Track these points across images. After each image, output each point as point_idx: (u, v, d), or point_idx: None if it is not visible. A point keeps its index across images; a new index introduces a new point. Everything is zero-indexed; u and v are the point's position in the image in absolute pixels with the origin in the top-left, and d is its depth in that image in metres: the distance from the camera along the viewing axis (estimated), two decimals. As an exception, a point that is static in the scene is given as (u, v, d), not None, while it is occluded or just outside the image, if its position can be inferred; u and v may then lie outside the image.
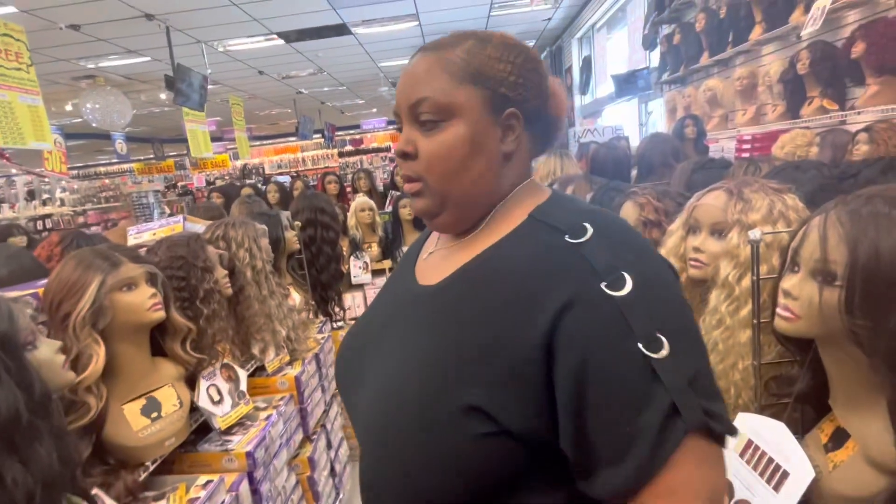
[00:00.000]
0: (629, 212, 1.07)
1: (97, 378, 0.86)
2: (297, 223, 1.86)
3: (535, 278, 0.45)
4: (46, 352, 0.68)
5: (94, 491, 0.72)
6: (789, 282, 0.60)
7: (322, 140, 10.04)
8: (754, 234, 0.71)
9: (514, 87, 0.52)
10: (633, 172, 2.21)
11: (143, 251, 1.14)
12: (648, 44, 4.09)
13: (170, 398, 1.01)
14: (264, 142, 11.76)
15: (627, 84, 4.29)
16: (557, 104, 0.56)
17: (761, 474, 0.67)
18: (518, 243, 0.50)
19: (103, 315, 0.87)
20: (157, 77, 7.12)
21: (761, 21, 2.52)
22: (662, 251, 0.91)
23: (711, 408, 0.40)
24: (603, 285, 0.42)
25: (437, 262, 0.57)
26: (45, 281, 0.94)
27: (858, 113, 2.01)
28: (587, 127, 4.77)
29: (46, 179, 6.39)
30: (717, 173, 1.37)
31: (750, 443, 0.71)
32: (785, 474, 0.64)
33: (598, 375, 0.41)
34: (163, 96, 8.29)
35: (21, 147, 4.30)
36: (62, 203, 6.75)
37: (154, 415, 0.96)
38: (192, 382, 1.10)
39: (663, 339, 0.40)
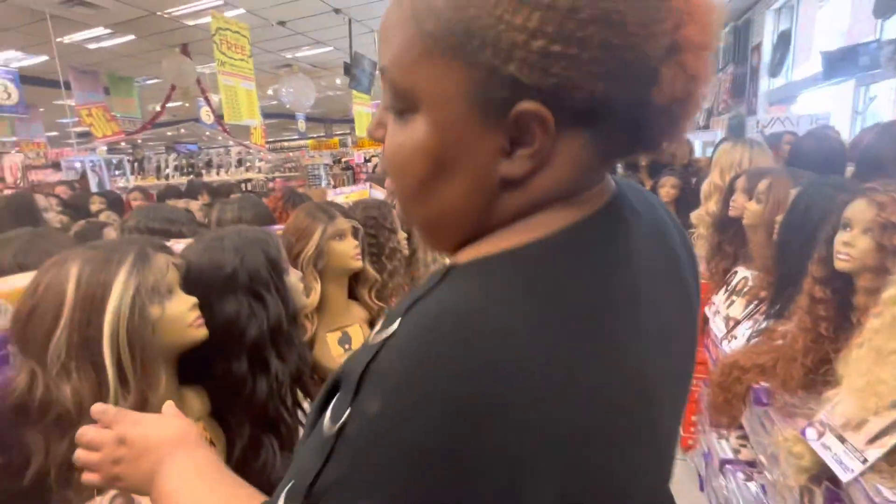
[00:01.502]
0: (862, 211, 0.89)
1: (314, 308, 1.07)
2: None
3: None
4: (294, 278, 0.87)
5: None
6: None
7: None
8: None
9: (541, 64, 0.28)
10: (849, 169, 1.82)
11: (341, 210, 1.35)
12: (883, 10, 3.24)
13: (358, 335, 1.19)
14: (414, 124, 12.61)
15: (844, 62, 3.48)
16: (682, 77, 0.30)
17: None
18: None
19: (322, 258, 1.07)
20: (334, 65, 8.16)
21: None
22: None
23: None
24: (332, 402, 0.31)
25: None
26: (277, 226, 1.18)
27: None
28: (775, 115, 4.03)
29: (251, 150, 7.84)
30: None
31: None
32: None
33: None
34: (338, 81, 9.48)
35: (238, 123, 5.34)
36: (259, 170, 8.24)
37: (347, 346, 1.16)
38: (373, 327, 1.28)
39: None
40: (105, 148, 6.64)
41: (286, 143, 13.54)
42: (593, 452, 0.29)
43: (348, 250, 1.10)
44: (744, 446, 1.47)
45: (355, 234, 1.14)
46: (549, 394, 0.28)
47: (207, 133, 9.26)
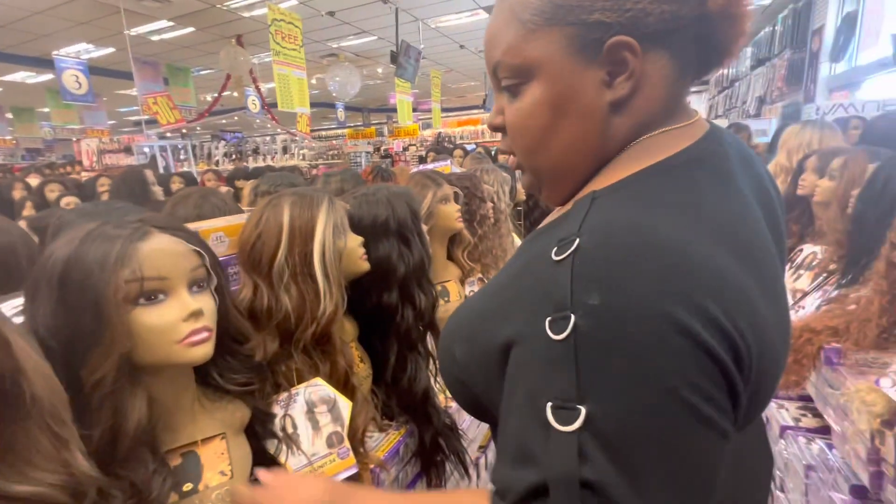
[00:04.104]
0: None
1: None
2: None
3: (516, 286, 0.40)
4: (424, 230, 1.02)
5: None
6: None
7: (504, 113, 10.35)
8: None
9: (617, 5, 0.38)
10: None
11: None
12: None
13: (454, 290, 1.34)
14: (449, 114, 12.73)
15: (916, 45, 3.34)
16: None
17: None
18: (545, 233, 0.42)
19: (431, 218, 1.22)
20: (377, 54, 8.34)
21: None
22: None
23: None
24: (547, 321, 0.35)
25: None
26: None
27: None
28: (838, 102, 3.91)
29: (297, 137, 8.15)
30: None
31: None
32: None
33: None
34: (379, 70, 9.67)
35: (289, 111, 5.57)
36: (304, 157, 8.55)
37: (445, 299, 1.31)
38: (464, 284, 1.43)
39: (580, 409, 0.32)
40: (154, 134, 7.06)
41: (324, 133, 13.91)
42: (750, 321, 0.35)
43: (452, 213, 1.24)
44: (804, 415, 1.55)
45: (457, 199, 1.28)
46: (710, 276, 0.35)
47: (258, 121, 9.66)
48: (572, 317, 0.33)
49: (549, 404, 0.34)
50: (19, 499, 0.38)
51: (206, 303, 0.54)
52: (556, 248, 0.37)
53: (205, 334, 0.52)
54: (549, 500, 0.33)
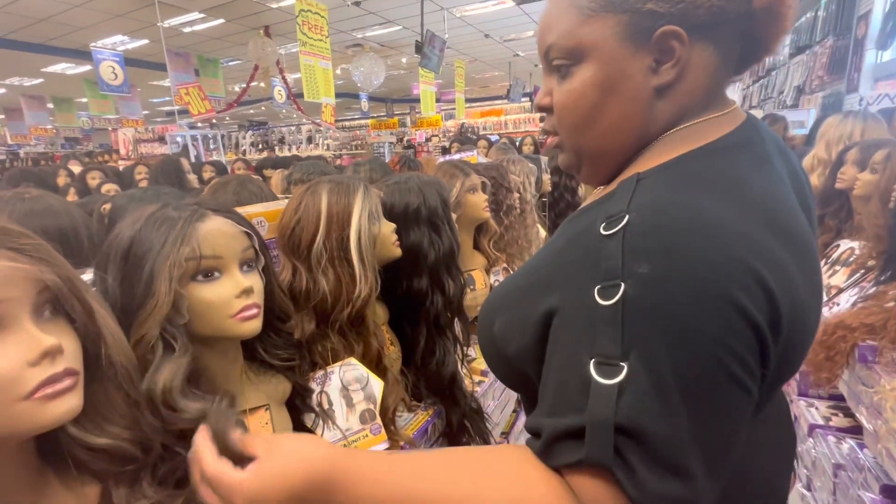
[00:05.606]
0: None
1: (449, 250, 1.25)
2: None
3: (561, 261, 0.42)
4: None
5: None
6: None
7: (529, 103, 10.22)
8: None
9: None
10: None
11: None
12: None
13: (480, 279, 1.36)
14: (472, 104, 12.63)
15: (973, 31, 3.13)
16: None
17: None
18: (589, 212, 0.44)
19: (459, 207, 1.24)
20: (402, 44, 8.33)
21: None
22: None
23: (638, 463, 0.33)
24: (596, 289, 0.37)
25: None
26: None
27: None
28: (884, 92, 3.72)
29: (321, 128, 8.25)
30: None
31: None
32: None
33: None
34: (403, 60, 9.66)
35: (315, 101, 5.63)
36: (328, 147, 8.67)
37: (471, 287, 1.33)
38: (489, 273, 1.44)
39: (623, 365, 0.35)
40: (185, 124, 7.26)
41: (347, 123, 14.00)
42: (788, 291, 0.37)
43: (480, 202, 1.26)
44: (835, 415, 1.51)
45: (484, 188, 1.30)
46: (751, 249, 0.37)
47: (284, 111, 9.81)
48: (622, 284, 0.35)
49: (592, 361, 0.36)
50: (99, 450, 0.42)
51: (255, 281, 0.58)
52: (604, 224, 0.39)
53: (255, 310, 0.56)
54: (583, 441, 0.35)
